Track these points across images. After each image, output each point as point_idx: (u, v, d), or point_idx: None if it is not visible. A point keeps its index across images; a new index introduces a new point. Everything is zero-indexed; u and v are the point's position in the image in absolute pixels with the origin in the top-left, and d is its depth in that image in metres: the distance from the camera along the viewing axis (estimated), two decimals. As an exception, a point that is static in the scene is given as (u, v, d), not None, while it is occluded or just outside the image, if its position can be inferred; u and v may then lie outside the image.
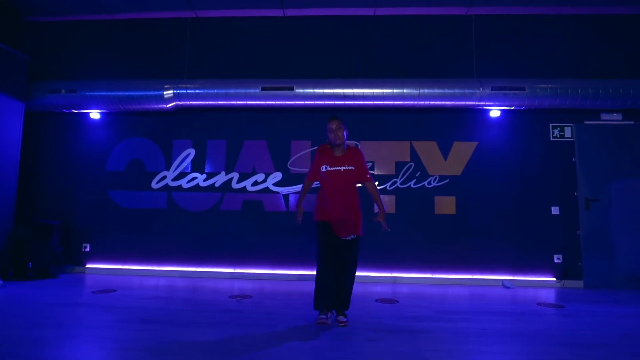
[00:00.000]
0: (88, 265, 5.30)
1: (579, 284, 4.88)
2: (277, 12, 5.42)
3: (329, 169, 3.09)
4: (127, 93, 5.08)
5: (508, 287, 4.76)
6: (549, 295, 4.39)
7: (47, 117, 5.50)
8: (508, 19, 5.29)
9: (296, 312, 3.40)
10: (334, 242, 3.06)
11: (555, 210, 5.01)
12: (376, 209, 3.54)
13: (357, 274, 5.01)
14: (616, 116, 5.10)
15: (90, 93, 5.11)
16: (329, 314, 3.01)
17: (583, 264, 4.91)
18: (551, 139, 5.12)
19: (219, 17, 5.52)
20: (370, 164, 5.20)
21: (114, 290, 4.16)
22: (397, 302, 3.88)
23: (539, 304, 3.90)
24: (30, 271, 4.71)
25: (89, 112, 5.44)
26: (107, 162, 5.44)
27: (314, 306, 3.06)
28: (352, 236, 3.11)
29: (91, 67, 5.54)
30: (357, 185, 3.21)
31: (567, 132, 5.11)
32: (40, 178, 5.46)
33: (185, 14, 5.48)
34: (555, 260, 4.94)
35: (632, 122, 5.09)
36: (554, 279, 4.91)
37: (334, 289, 2.97)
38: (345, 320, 3.01)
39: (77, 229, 5.35)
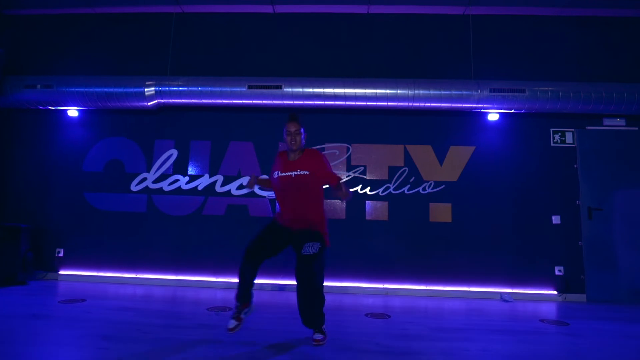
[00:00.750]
0: (61, 272, 4.97)
1: (582, 297, 4.61)
2: (266, 9, 5.18)
3: (280, 174, 2.78)
4: (106, 90, 4.79)
5: (507, 301, 4.48)
6: (551, 310, 4.12)
7: (21, 114, 5.21)
8: (507, 19, 5.08)
9: (278, 327, 3.10)
10: (275, 239, 2.81)
11: (556, 219, 4.75)
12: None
13: (348, 284, 4.80)
14: (619, 122, 4.88)
15: (68, 89, 4.82)
16: (245, 310, 2.80)
17: (586, 276, 4.65)
18: (552, 144, 4.89)
19: (205, 12, 5.28)
20: (361, 168, 4.93)
21: (83, 300, 3.84)
22: (389, 317, 3.59)
23: (542, 320, 3.62)
24: (-5, 278, 4.38)
25: (66, 110, 5.15)
26: (84, 162, 5.14)
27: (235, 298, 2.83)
28: (316, 245, 2.68)
29: (69, 63, 5.26)
30: (322, 189, 2.84)
31: (569, 137, 4.88)
32: (12, 178, 5.15)
33: (171, 8, 5.23)
34: (557, 272, 4.67)
35: (636, 128, 4.87)
36: (555, 292, 4.64)
37: (252, 278, 2.80)
38: (320, 338, 2.68)
39: (50, 233, 5.03)
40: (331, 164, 4.85)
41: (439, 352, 2.60)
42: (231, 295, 4.37)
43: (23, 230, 4.60)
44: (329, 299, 4.43)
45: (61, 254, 5.00)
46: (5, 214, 5.02)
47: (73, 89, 4.81)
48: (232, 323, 2.70)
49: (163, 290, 4.53)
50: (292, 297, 4.39)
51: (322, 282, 2.75)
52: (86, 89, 4.80)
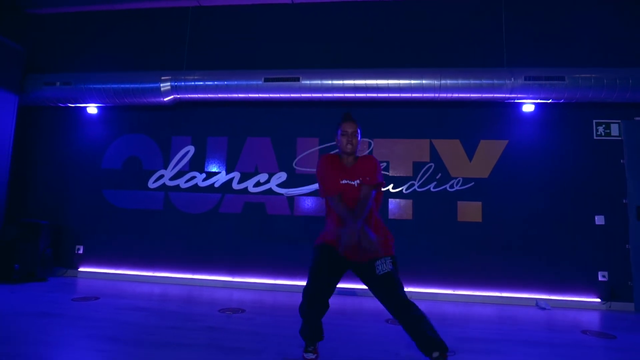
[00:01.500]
0: (81, 269, 4.97)
1: (629, 306, 4.16)
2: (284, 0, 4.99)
3: (343, 182, 2.33)
4: (122, 86, 4.74)
5: (543, 308, 4.10)
6: (594, 320, 3.72)
7: (42, 111, 5.24)
8: (542, 1, 4.66)
9: (291, 333, 2.90)
10: (334, 268, 2.27)
11: (599, 219, 4.32)
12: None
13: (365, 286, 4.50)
14: (673, 111, 4.37)
15: (86, 86, 4.80)
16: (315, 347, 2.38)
17: (634, 283, 4.19)
18: (595, 137, 4.44)
19: (222, 5, 5.14)
20: (384, 164, 4.66)
21: (96, 298, 3.77)
22: (411, 323, 3.30)
23: (585, 331, 3.25)
24: (16, 273, 4.40)
25: (85, 107, 5.15)
26: (103, 159, 5.12)
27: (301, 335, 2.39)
28: (387, 260, 2.24)
29: (88, 60, 5.25)
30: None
31: (614, 129, 4.43)
32: (33, 175, 5.19)
33: (188, 2, 5.13)
34: (600, 278, 4.24)
35: (693, 119, 4.35)
36: (599, 299, 4.21)
37: (319, 319, 2.30)
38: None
39: (70, 230, 5.04)
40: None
41: (467, 367, 2.32)
42: (248, 296, 4.23)
43: (43, 227, 4.61)
44: (347, 302, 4.22)
45: (81, 251, 5.00)
46: (25, 210, 5.07)
47: (91, 86, 4.79)
48: (310, 357, 2.35)
49: (179, 290, 4.42)
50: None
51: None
52: (103, 85, 4.77)
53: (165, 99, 4.76)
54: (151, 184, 5.00)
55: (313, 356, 2.34)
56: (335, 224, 2.33)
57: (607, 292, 4.20)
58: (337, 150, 2.44)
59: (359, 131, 2.40)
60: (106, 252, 4.96)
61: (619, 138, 4.41)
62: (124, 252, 4.92)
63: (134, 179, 5.04)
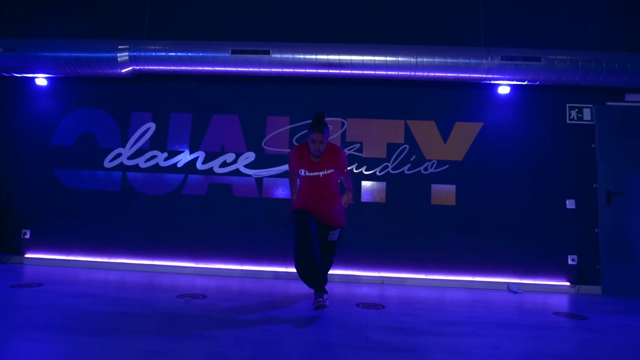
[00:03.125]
0: (27, 255, 4.54)
1: (597, 290, 4.19)
2: (255, -32, 4.68)
3: (307, 174, 2.92)
4: (75, 54, 4.32)
5: (515, 292, 4.05)
6: (564, 303, 3.70)
7: (-17, 81, 4.73)
8: (521, -18, 4.57)
9: (254, 318, 2.68)
10: (314, 225, 2.94)
11: (570, 204, 4.31)
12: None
13: (339, 272, 4.36)
14: (643, 97, 4.40)
15: (33, 53, 4.35)
16: (325, 295, 2.98)
17: (602, 267, 4.21)
18: (568, 121, 4.42)
19: (188, -29, 4.77)
20: (357, 145, 4.47)
21: (40, 285, 3.41)
22: (384, 307, 3.16)
23: (557, 313, 3.20)
24: (-50, 259, 3.95)
25: (34, 77, 4.68)
26: (53, 135, 4.68)
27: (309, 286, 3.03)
28: (337, 231, 3.12)
29: (37, 25, 4.77)
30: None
31: (587, 114, 4.41)
32: (-28, 152, 4.69)
33: (150, -33, 4.72)
34: (570, 262, 4.24)
35: (662, 105, 4.39)
36: (568, 283, 4.21)
37: (320, 269, 2.91)
38: (323, 300, 2.92)
39: (15, 213, 4.60)
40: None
41: (441, 349, 2.17)
42: (212, 282, 3.96)
43: (-18, 208, 4.17)
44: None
45: (27, 236, 4.57)
46: (-35, 190, 4.59)
47: (39, 54, 4.34)
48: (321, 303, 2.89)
49: (137, 276, 4.10)
50: (276, 285, 3.97)
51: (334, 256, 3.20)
52: (54, 54, 4.33)
53: (123, 71, 4.38)
54: (107, 163, 4.61)
55: (325, 298, 2.94)
56: (300, 194, 3.05)
57: (576, 276, 4.21)
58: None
59: (326, 134, 2.84)
60: (56, 236, 4.55)
61: (591, 123, 4.40)
62: (77, 237, 4.54)
63: (88, 158, 4.64)
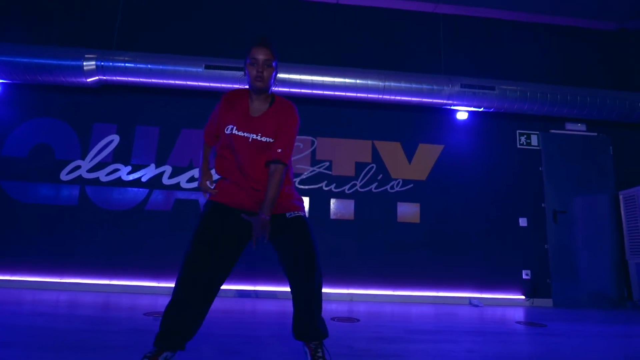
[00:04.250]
0: (-37, 275, 4.10)
1: (548, 302, 4.49)
2: (230, -10, 4.80)
3: (235, 132, 1.83)
4: (37, 61, 4.12)
5: (476, 306, 4.25)
6: (521, 314, 3.92)
7: None
8: (476, 20, 5.06)
9: (229, 332, 2.60)
10: (222, 233, 1.79)
11: (523, 221, 4.65)
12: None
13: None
14: (580, 126, 4.94)
15: (-13, 57, 4.09)
16: (167, 354, 1.70)
17: (552, 280, 4.54)
18: (518, 146, 4.84)
19: (161, -13, 4.79)
20: (327, 163, 4.59)
21: (-17, 305, 3.09)
22: (359, 320, 3.19)
23: (518, 322, 3.39)
24: None
25: (-15, 83, 4.38)
26: (4, 145, 4.37)
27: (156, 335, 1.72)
28: (293, 213, 1.90)
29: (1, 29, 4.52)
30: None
31: (534, 139, 4.86)
32: None
33: (121, -20, 4.69)
34: (524, 277, 4.53)
35: (595, 134, 4.95)
36: (523, 296, 4.49)
37: (191, 314, 1.73)
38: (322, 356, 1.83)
39: (-48, 228, 4.16)
40: (295, 158, 4.49)
41: (423, 354, 2.23)
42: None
43: None
44: (286, 304, 3.97)
45: (-35, 254, 4.14)
46: None
47: (-5, 58, 4.10)
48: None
49: (94, 296, 3.83)
50: (244, 304, 3.88)
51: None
52: (11, 59, 4.11)
53: (89, 80, 4.23)
54: (64, 176, 4.36)
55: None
56: (225, 170, 1.91)
57: (530, 290, 4.50)
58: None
59: (274, 63, 1.85)
60: (2, 255, 4.16)
61: (538, 148, 4.85)
62: (24, 255, 4.18)
63: (43, 170, 4.35)
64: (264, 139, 1.85)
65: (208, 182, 2.03)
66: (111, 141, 4.46)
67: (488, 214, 4.64)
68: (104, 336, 2.34)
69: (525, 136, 4.86)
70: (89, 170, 4.39)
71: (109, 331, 2.47)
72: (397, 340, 2.53)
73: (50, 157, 4.39)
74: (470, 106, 4.58)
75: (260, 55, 1.81)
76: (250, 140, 1.83)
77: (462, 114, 4.76)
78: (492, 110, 4.63)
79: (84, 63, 4.14)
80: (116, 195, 4.37)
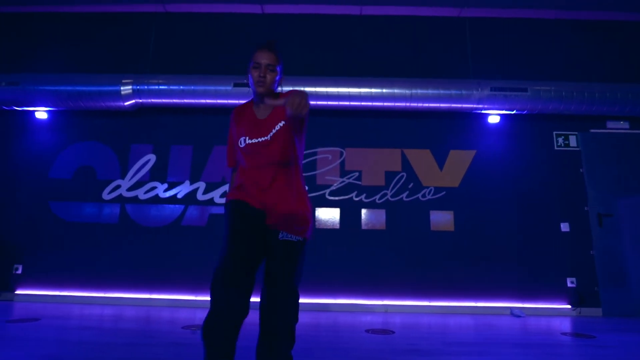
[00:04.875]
0: (18, 291, 4.37)
1: (597, 312, 4.23)
2: (255, 9, 4.95)
3: (248, 141, 1.76)
4: (78, 88, 4.39)
5: (518, 316, 4.07)
6: (567, 324, 3.72)
7: (-17, 115, 4.74)
8: (503, 21, 4.94)
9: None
10: (252, 233, 1.70)
11: (564, 227, 4.44)
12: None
13: (342, 301, 4.33)
14: (623, 124, 4.68)
15: (35, 87, 4.41)
16: None
17: (600, 288, 4.29)
18: (555, 148, 4.64)
19: (191, 12, 5.00)
20: (356, 173, 4.58)
21: (36, 320, 3.28)
22: (393, 332, 3.13)
23: (564, 333, 3.22)
24: (-63, 297, 3.77)
25: (34, 111, 4.71)
26: (51, 168, 4.65)
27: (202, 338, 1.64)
28: (294, 238, 1.73)
29: (42, 60, 4.86)
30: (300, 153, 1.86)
31: (572, 140, 4.65)
32: (-34, 185, 4.61)
33: (154, 8, 4.94)
34: (569, 285, 4.31)
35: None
36: (569, 306, 4.26)
37: (236, 317, 1.63)
38: None
39: (8, 247, 4.46)
40: (324, 170, 4.52)
41: (461, 368, 2.17)
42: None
43: (-26, 242, 4.04)
44: (320, 317, 3.97)
45: (19, 271, 4.42)
46: (-44, 225, 4.46)
47: (41, 87, 4.40)
48: None
49: (135, 310, 3.98)
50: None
51: (298, 293, 1.79)
52: (56, 87, 4.40)
53: (126, 104, 4.46)
54: (106, 195, 4.58)
55: None
56: (243, 175, 1.79)
57: (576, 298, 4.26)
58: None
59: (278, 67, 1.79)
60: (50, 271, 4.41)
61: (577, 149, 4.63)
62: (72, 272, 4.41)
63: (86, 190, 4.60)
64: (278, 126, 1.75)
65: None
66: (148, 160, 4.65)
67: (526, 219, 4.46)
68: (146, 350, 2.42)
69: (562, 137, 4.66)
70: (129, 189, 4.59)
71: (150, 344, 2.55)
72: (434, 353, 2.46)
73: (93, 177, 4.63)
74: (502, 109, 4.46)
75: (264, 60, 1.75)
76: (269, 138, 1.74)
77: (493, 118, 4.63)
78: (525, 112, 4.48)
79: (121, 88, 4.37)
80: (154, 212, 4.54)
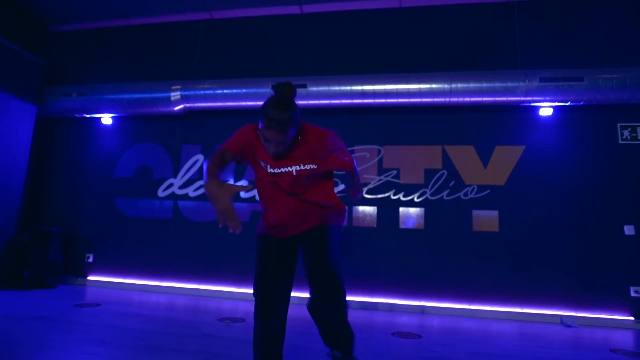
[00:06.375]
0: (90, 277, 4.97)
1: (667, 325, 3.78)
2: (294, 9, 5.03)
3: (271, 170, 1.79)
4: (134, 95, 4.83)
5: (569, 326, 3.77)
6: (626, 339, 3.38)
7: (59, 122, 5.40)
8: (558, 3, 4.49)
9: (287, 343, 2.73)
10: (283, 281, 1.89)
11: (629, 229, 3.99)
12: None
13: (379, 300, 4.33)
14: None
15: (100, 96, 4.93)
16: None
17: (671, 300, 3.81)
18: (620, 141, 4.16)
19: (233, 17, 5.22)
20: (394, 171, 4.51)
21: (97, 305, 3.72)
22: (420, 337, 3.08)
23: (614, 350, 2.93)
24: (25, 280, 4.42)
25: (100, 117, 5.26)
26: (115, 168, 5.19)
27: None
28: (326, 227, 1.83)
29: (104, 71, 5.41)
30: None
31: (641, 133, 4.14)
32: (48, 184, 5.30)
33: (200, 15, 5.24)
34: (633, 294, 3.88)
35: None
36: (632, 317, 3.85)
37: (277, 338, 1.88)
38: None
39: (81, 238, 5.08)
40: (361, 168, 4.50)
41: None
42: (252, 307, 4.07)
43: (53, 234, 4.66)
44: (357, 315, 4.01)
45: (90, 260, 5.02)
46: (39, 219, 5.16)
47: (105, 96, 4.91)
48: None
49: (185, 299, 4.34)
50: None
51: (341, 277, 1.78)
52: (116, 96, 4.87)
53: (176, 108, 4.81)
54: (161, 193, 5.01)
55: None
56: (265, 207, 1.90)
57: (641, 310, 3.84)
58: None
59: (290, 129, 1.64)
60: (115, 260, 4.95)
61: (647, 142, 4.12)
62: (133, 261, 4.90)
63: (144, 188, 5.06)
64: (307, 166, 1.78)
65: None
66: (197, 160, 4.99)
67: (584, 220, 4.08)
68: (177, 340, 2.66)
69: (629, 129, 4.17)
70: (180, 187, 4.97)
71: (181, 334, 2.79)
72: (453, 363, 2.40)
73: (150, 176, 5.08)
74: (554, 101, 4.09)
75: (273, 136, 1.63)
76: (294, 172, 1.78)
77: (545, 110, 4.27)
78: (582, 103, 4.07)
79: (171, 94, 4.72)
80: (202, 208, 4.87)
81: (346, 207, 1.98)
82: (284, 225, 1.84)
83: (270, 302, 1.81)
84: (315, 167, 1.78)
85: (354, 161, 1.96)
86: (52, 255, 4.61)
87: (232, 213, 1.57)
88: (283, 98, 1.64)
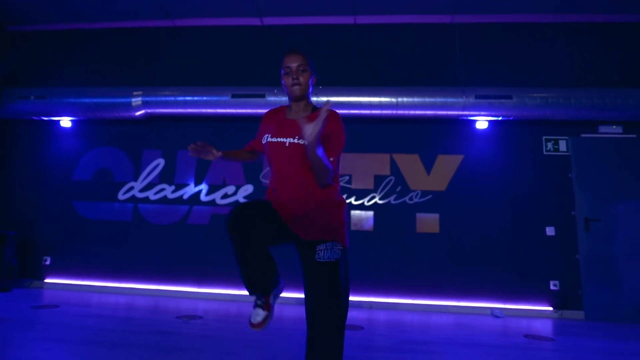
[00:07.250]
0: (47, 280, 4.98)
1: (580, 314, 4.32)
2: (255, 22, 5.26)
3: (270, 139, 1.79)
4: (95, 100, 4.90)
5: (498, 316, 4.23)
6: (544, 327, 3.86)
7: (18, 124, 5.36)
8: (494, 27, 4.99)
9: (237, 337, 2.99)
10: (274, 221, 1.72)
11: (550, 230, 4.52)
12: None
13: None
14: (616, 129, 4.66)
15: (59, 100, 4.95)
16: (269, 297, 1.76)
17: (583, 292, 4.36)
18: (544, 152, 4.70)
19: (195, 26, 5.38)
20: (347, 177, 4.85)
21: (56, 307, 3.81)
22: (362, 328, 3.42)
23: (527, 336, 3.39)
24: (-21, 284, 4.41)
25: (59, 120, 5.27)
26: (74, 171, 5.22)
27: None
28: (337, 251, 1.71)
29: (65, 75, 5.40)
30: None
31: (562, 145, 4.69)
32: (4, 186, 5.26)
33: (163, 23, 5.37)
34: (552, 287, 4.41)
35: (634, 136, 4.64)
36: (551, 308, 4.37)
37: (261, 264, 1.72)
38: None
39: (38, 241, 5.08)
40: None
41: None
42: (212, 306, 4.28)
43: (9, 237, 4.66)
44: (301, 311, 4.26)
45: (48, 262, 5.03)
46: (-3, 221, 5.11)
47: (64, 100, 4.94)
48: (259, 314, 1.70)
49: (144, 300, 4.47)
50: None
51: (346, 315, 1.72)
52: (77, 100, 4.92)
53: (137, 114, 4.92)
54: (121, 196, 5.09)
55: (264, 314, 1.69)
56: (272, 177, 1.84)
57: (559, 301, 4.36)
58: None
59: (309, 66, 1.82)
60: (74, 263, 4.99)
61: (567, 153, 4.67)
62: (92, 264, 4.96)
63: (104, 191, 5.13)
64: (302, 141, 1.66)
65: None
66: (158, 164, 5.12)
67: (512, 223, 4.57)
68: (135, 336, 2.84)
69: (552, 142, 4.71)
70: (141, 190, 5.08)
71: (139, 332, 2.98)
72: (385, 349, 2.74)
73: (110, 179, 5.15)
74: (488, 116, 4.57)
75: (294, 63, 1.80)
76: (287, 144, 1.73)
77: (481, 124, 4.74)
78: (511, 118, 4.57)
79: (132, 100, 4.83)
80: (163, 211, 5.01)
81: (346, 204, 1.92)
82: (283, 189, 1.75)
83: (247, 217, 1.64)
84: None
85: (335, 166, 1.80)
86: (7, 259, 4.60)
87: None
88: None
